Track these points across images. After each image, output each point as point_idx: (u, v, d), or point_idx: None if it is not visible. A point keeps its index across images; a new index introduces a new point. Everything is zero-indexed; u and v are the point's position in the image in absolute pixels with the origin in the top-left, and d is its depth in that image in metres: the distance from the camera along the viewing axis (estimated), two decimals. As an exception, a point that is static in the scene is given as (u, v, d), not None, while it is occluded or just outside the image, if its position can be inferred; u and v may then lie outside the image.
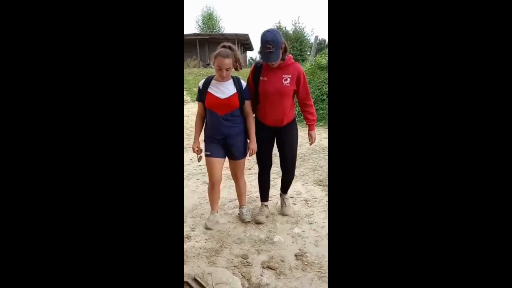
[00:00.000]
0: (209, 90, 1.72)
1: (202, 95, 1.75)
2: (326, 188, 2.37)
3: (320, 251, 1.65)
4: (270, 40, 1.54)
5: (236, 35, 14.82)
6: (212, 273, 1.46)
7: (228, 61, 1.64)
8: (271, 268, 1.52)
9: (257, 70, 1.78)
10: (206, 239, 1.72)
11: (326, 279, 1.45)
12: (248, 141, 1.83)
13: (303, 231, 1.78)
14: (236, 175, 1.93)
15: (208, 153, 1.80)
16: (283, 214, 2.01)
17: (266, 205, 2.03)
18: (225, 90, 1.70)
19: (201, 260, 1.56)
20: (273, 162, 2.00)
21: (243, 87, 1.74)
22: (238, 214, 2.03)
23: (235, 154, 1.82)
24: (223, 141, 1.79)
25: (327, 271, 1.52)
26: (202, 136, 1.87)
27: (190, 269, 1.49)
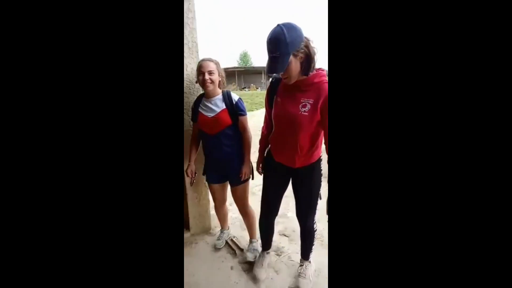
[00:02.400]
0: (199, 109, 1.39)
1: (194, 115, 1.43)
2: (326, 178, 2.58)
3: (321, 225, 1.94)
4: (274, 39, 0.89)
5: (263, 67, 18.69)
6: (244, 236, 1.83)
7: (212, 65, 1.30)
8: (285, 236, 1.86)
9: (273, 87, 1.17)
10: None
11: (326, 246, 1.72)
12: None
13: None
14: (239, 203, 1.54)
15: (206, 179, 1.55)
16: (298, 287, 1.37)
17: (268, 252, 1.54)
18: (212, 107, 1.35)
19: (236, 227, 1.95)
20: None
21: (234, 102, 1.35)
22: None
23: (232, 179, 1.46)
24: (218, 164, 1.44)
25: (326, 241, 1.77)
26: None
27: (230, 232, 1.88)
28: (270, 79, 1.25)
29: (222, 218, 1.76)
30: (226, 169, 1.45)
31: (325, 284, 1.44)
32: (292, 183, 1.28)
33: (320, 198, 1.29)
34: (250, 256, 1.58)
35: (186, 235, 1.88)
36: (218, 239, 1.76)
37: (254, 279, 1.45)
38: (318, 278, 1.47)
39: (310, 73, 1.01)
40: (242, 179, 1.42)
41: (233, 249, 1.73)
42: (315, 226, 1.37)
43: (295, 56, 0.93)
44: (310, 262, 1.46)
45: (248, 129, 1.41)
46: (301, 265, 1.45)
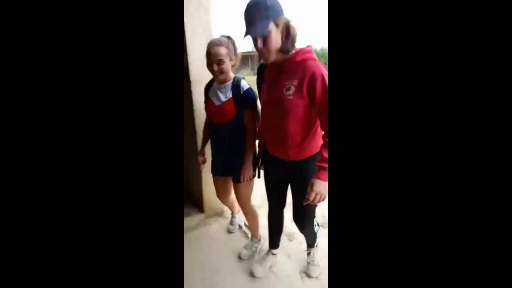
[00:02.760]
0: (209, 94, 1.27)
1: (205, 99, 1.33)
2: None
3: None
4: (253, 4, 0.86)
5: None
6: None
7: (222, 50, 1.10)
8: (297, 221, 1.90)
9: (260, 75, 1.11)
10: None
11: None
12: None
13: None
14: (239, 200, 1.40)
15: (211, 169, 1.41)
16: (307, 274, 1.37)
17: (273, 253, 1.43)
18: (220, 95, 1.21)
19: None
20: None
21: (243, 91, 1.17)
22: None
23: (234, 176, 1.31)
24: (221, 157, 1.33)
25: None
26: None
27: (241, 216, 1.92)
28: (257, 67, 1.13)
29: (229, 206, 1.70)
30: (228, 164, 1.30)
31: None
32: (290, 181, 1.14)
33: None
34: (243, 253, 1.51)
35: (201, 217, 1.92)
36: (231, 224, 1.76)
37: (251, 275, 1.39)
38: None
39: (292, 51, 0.93)
40: (242, 180, 1.25)
41: (245, 232, 1.77)
42: (315, 228, 1.29)
43: (276, 25, 0.87)
44: (316, 246, 1.43)
45: (254, 125, 1.20)
46: (308, 252, 1.43)
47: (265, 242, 1.58)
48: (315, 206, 1.11)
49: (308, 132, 0.99)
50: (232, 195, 1.55)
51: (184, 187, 2.19)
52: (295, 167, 1.05)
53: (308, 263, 1.41)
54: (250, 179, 1.26)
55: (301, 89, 0.91)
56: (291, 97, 0.93)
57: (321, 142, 0.98)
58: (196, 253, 1.60)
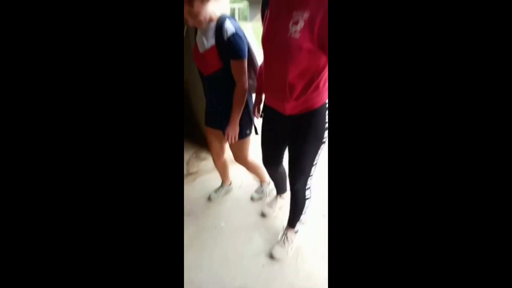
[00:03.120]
0: (196, 38, 1.03)
1: None
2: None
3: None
4: None
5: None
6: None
7: (193, 4, 0.87)
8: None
9: (264, 5, 0.88)
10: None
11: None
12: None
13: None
14: (236, 158, 1.30)
15: (204, 119, 1.24)
16: (271, 254, 1.21)
17: (281, 197, 1.51)
18: (204, 39, 0.98)
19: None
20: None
21: (226, 37, 0.91)
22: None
23: (223, 130, 1.14)
24: (212, 110, 1.17)
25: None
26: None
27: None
28: None
29: (221, 170, 1.53)
30: (218, 117, 1.13)
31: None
32: (286, 135, 0.98)
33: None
34: (254, 196, 1.63)
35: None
36: (215, 192, 1.65)
37: (262, 214, 1.51)
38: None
39: None
40: (225, 140, 1.10)
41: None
42: (307, 193, 1.09)
43: None
44: (296, 232, 1.26)
45: (243, 79, 0.99)
46: (285, 233, 1.27)
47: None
48: (310, 165, 0.98)
49: (311, 83, 0.80)
50: (224, 162, 1.47)
51: (200, 133, 2.25)
52: (293, 122, 0.90)
53: (278, 242, 1.23)
54: (235, 140, 1.10)
55: (312, 26, 0.69)
56: (297, 35, 0.72)
57: (324, 96, 0.83)
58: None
